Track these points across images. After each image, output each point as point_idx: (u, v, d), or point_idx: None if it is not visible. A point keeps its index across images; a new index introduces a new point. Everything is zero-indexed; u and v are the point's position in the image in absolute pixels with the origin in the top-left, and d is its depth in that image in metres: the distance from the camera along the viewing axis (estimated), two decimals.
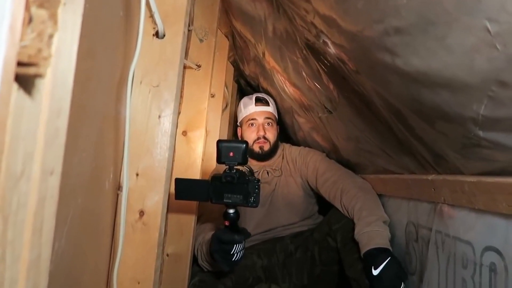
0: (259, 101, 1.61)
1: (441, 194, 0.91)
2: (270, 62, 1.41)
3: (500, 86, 0.48)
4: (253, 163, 1.56)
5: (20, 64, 0.28)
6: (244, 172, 1.00)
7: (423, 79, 0.59)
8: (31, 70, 0.29)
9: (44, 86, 0.33)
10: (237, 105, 2.33)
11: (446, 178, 0.88)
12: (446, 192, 0.88)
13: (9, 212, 0.31)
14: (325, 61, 0.98)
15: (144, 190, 0.83)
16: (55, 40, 0.33)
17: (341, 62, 0.86)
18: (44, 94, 0.34)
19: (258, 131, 1.56)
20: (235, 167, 0.94)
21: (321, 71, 1.05)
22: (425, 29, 0.53)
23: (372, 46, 0.65)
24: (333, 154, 1.55)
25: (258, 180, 0.97)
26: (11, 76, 0.27)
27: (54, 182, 0.37)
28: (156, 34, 0.85)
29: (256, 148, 1.55)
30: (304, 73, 1.17)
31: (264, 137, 1.55)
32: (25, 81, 0.30)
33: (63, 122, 0.38)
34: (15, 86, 0.30)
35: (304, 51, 1.06)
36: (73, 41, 0.38)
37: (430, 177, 0.95)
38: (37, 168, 0.35)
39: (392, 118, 0.86)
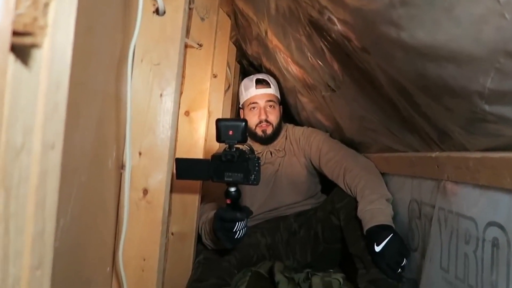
0: (259, 83, 1.59)
1: (444, 171, 0.90)
2: (273, 40, 1.39)
3: (508, 57, 0.47)
4: (255, 145, 1.56)
5: (15, 33, 0.28)
6: (244, 150, 1.00)
7: (429, 52, 0.58)
8: (27, 40, 0.28)
9: (41, 57, 0.33)
10: (239, 85, 2.32)
11: (450, 155, 0.87)
12: (450, 169, 0.88)
13: (10, 184, 0.31)
14: (329, 38, 0.96)
15: (147, 169, 0.83)
16: (51, 10, 0.32)
17: (345, 39, 0.84)
18: (42, 66, 0.33)
19: (260, 115, 1.54)
20: (235, 145, 0.94)
21: (324, 48, 1.03)
22: (432, 0, 0.51)
23: (377, 20, 0.64)
24: (337, 133, 1.54)
25: (258, 158, 0.97)
26: (7, 45, 0.27)
27: (56, 156, 0.37)
28: (156, 11, 0.83)
29: (258, 131, 1.54)
30: (307, 51, 1.15)
31: (267, 121, 1.54)
32: (22, 51, 0.30)
33: (62, 96, 0.38)
34: (11, 56, 0.29)
35: (308, 28, 1.04)
36: (70, 12, 0.37)
37: (434, 154, 0.95)
38: (38, 142, 0.35)
39: (396, 95, 0.85)
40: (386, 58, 0.72)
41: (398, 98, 0.85)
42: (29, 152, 0.33)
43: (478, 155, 0.77)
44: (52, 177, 0.37)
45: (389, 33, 0.62)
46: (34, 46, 0.30)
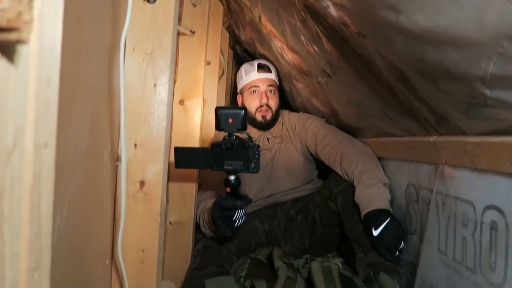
0: (261, 68, 1.57)
1: (442, 155, 0.90)
2: (267, 26, 1.36)
3: None
4: (253, 131, 1.55)
5: None
6: (244, 138, 0.99)
7: (429, 37, 0.57)
8: (12, 36, 0.27)
9: (29, 54, 0.31)
10: (233, 72, 2.28)
11: (448, 139, 0.87)
12: (448, 153, 0.88)
13: (3, 187, 0.30)
14: (325, 23, 0.94)
15: (143, 161, 0.82)
16: (37, 2, 0.30)
17: (342, 24, 0.83)
18: (30, 63, 0.32)
19: (261, 99, 1.53)
20: (234, 133, 0.93)
21: (320, 33, 1.01)
22: None
23: (375, 4, 0.62)
24: (333, 119, 1.53)
25: (258, 146, 0.96)
26: None
27: (49, 155, 0.36)
28: None
29: (258, 117, 1.53)
30: (302, 37, 1.13)
31: (267, 105, 1.53)
32: (7, 48, 0.28)
33: (53, 93, 0.36)
34: None
35: (303, 13, 1.01)
36: (57, 4, 0.35)
37: (431, 138, 0.94)
38: (30, 142, 0.33)
39: (394, 80, 0.84)
40: (384, 43, 0.71)
41: (396, 83, 0.84)
42: (21, 153, 0.32)
43: (477, 139, 0.77)
44: (46, 176, 0.36)
45: (387, 17, 0.61)
46: (20, 42, 0.28)
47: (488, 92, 0.57)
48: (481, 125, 0.72)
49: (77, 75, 0.58)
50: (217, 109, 0.92)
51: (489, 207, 0.78)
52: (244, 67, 1.62)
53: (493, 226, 0.76)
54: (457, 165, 0.86)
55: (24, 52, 0.30)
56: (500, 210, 0.74)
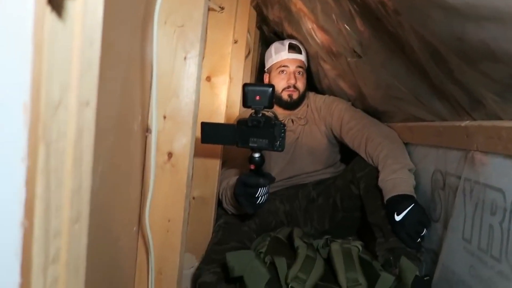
0: (292, 48, 1.55)
1: (474, 141, 0.88)
2: (297, 3, 1.33)
3: None
4: (278, 111, 1.54)
5: None
6: (270, 116, 0.99)
7: (470, 12, 0.54)
8: None
9: (75, 11, 0.32)
10: (259, 52, 2.26)
11: (481, 124, 0.84)
12: (480, 139, 0.85)
13: (50, 140, 0.31)
14: (359, 1, 0.92)
15: (171, 133, 0.83)
16: None
17: (378, 1, 0.80)
18: (75, 19, 0.32)
19: (289, 79, 1.51)
20: (261, 111, 0.93)
21: (353, 11, 0.98)
22: None
23: None
24: (359, 102, 1.51)
25: (284, 125, 0.96)
26: None
27: (90, 114, 0.37)
28: None
29: (284, 96, 1.52)
30: (333, 15, 1.11)
31: (294, 86, 1.51)
32: (56, 3, 0.29)
33: (95, 53, 0.37)
34: (48, 8, 0.29)
35: None
36: None
37: (463, 123, 0.92)
38: (74, 99, 0.35)
39: (428, 61, 0.81)
40: (422, 20, 0.69)
41: (430, 64, 0.82)
42: (66, 109, 0.33)
43: None
44: (87, 134, 0.37)
45: None
46: None
47: None
48: None
49: (112, 41, 0.59)
50: (245, 85, 0.92)
51: None
52: (274, 46, 1.59)
53: None
54: (489, 152, 0.84)
55: (71, 8, 0.31)
56: None
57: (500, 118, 0.78)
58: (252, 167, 1.01)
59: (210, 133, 0.98)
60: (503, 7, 0.49)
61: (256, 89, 0.91)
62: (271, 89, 0.91)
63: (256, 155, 1.00)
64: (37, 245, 0.31)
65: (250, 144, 0.96)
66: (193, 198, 1.28)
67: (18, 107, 0.26)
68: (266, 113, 0.98)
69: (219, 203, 1.37)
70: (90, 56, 0.36)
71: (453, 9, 0.57)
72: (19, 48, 0.25)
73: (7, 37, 0.25)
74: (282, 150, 0.98)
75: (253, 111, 0.94)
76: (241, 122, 0.97)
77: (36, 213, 0.29)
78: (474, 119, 0.88)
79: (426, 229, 1.09)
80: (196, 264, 1.25)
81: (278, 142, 0.95)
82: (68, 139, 0.34)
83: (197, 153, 1.23)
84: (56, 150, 0.33)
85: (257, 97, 0.91)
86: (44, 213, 0.32)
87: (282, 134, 0.95)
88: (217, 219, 1.37)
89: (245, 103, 0.93)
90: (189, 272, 1.21)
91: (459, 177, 0.96)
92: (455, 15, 0.58)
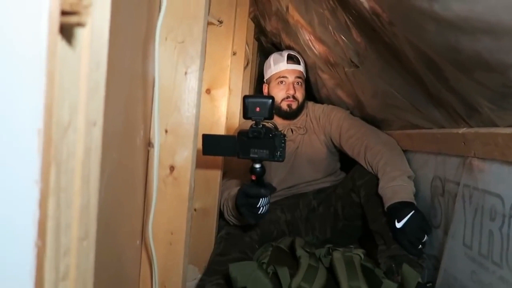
0: (290, 59, 1.57)
1: (471, 147, 0.89)
2: (294, 16, 1.36)
3: None
4: (278, 121, 1.55)
5: (63, 13, 0.28)
6: (270, 127, 1.00)
7: (463, 25, 0.56)
8: (73, 19, 0.29)
9: (83, 37, 0.33)
10: (258, 63, 2.29)
11: (478, 131, 0.86)
12: (477, 146, 0.86)
13: (60, 160, 0.33)
14: (354, 12, 0.94)
15: (173, 146, 0.85)
16: None
17: (373, 13, 0.82)
18: (83, 45, 0.34)
19: (288, 90, 1.53)
20: (261, 122, 0.94)
21: (349, 23, 1.00)
22: None
23: None
24: (358, 110, 1.53)
25: (284, 135, 0.98)
26: (57, 26, 0.27)
27: (97, 133, 0.39)
28: None
29: (284, 106, 1.54)
30: (330, 26, 1.13)
31: (294, 96, 1.53)
32: (67, 31, 0.30)
33: (102, 75, 0.38)
34: (59, 37, 0.30)
35: (331, 2, 1.01)
36: None
37: (460, 130, 0.93)
38: (82, 119, 0.36)
39: (424, 70, 0.83)
40: (416, 32, 0.70)
41: (426, 73, 0.83)
42: (74, 130, 0.35)
43: (509, 130, 0.75)
44: (95, 153, 0.38)
45: (421, 5, 0.60)
46: (79, 25, 0.31)
47: None
48: None
49: (115, 60, 0.60)
50: (245, 97, 0.94)
51: None
52: (273, 57, 1.62)
53: None
54: (486, 158, 0.85)
55: (79, 36, 0.33)
56: None
57: (496, 125, 0.79)
58: (253, 177, 1.03)
59: (211, 145, 0.99)
60: (494, 20, 0.50)
61: (256, 101, 0.93)
62: (271, 100, 0.93)
63: (257, 165, 1.01)
64: (48, 263, 0.32)
65: (251, 155, 0.97)
66: (195, 209, 1.28)
67: (32, 133, 0.27)
68: (266, 124, 0.99)
69: (221, 214, 1.38)
70: (97, 78, 0.38)
71: (446, 21, 0.59)
72: (33, 76, 0.27)
73: (21, 65, 0.26)
74: (282, 161, 0.99)
75: (254, 122, 0.95)
76: (241, 133, 0.98)
77: (48, 233, 0.30)
78: (471, 126, 0.90)
79: (427, 236, 1.10)
80: (199, 275, 1.26)
81: (279, 152, 0.96)
82: (77, 159, 0.35)
83: (198, 164, 1.23)
84: (66, 170, 0.34)
85: (257, 109, 0.92)
86: (55, 232, 0.33)
87: (283, 145, 0.97)
88: (218, 230, 1.37)
89: (246, 114, 0.95)
90: (192, 284, 1.21)
91: (458, 184, 0.97)
92: (449, 27, 0.60)
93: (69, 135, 0.34)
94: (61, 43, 0.30)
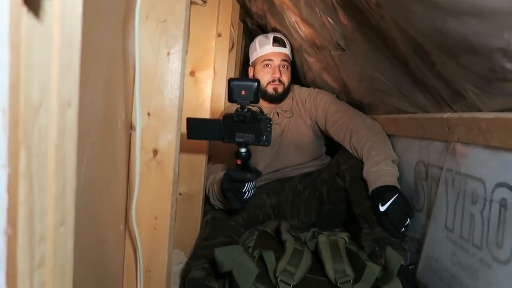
0: (276, 41, 1.55)
1: (455, 132, 0.90)
2: None
3: None
4: (263, 105, 1.54)
5: None
6: (256, 111, 0.99)
7: (450, 6, 0.55)
8: None
9: (52, 10, 0.31)
10: (243, 46, 2.25)
11: (462, 116, 0.86)
12: (461, 130, 0.87)
13: (31, 142, 0.31)
14: None
15: (156, 130, 0.82)
16: None
17: None
18: (54, 19, 0.31)
19: (273, 73, 1.51)
20: (246, 106, 0.93)
21: (336, 5, 0.98)
22: None
23: None
24: (343, 94, 1.52)
25: (270, 119, 0.96)
26: None
27: (72, 114, 0.36)
28: None
29: (269, 89, 1.52)
30: (317, 8, 1.11)
31: (279, 80, 1.51)
32: (33, 3, 0.28)
33: (75, 53, 0.36)
34: (24, 9, 0.28)
35: None
36: None
37: (445, 115, 0.94)
38: (54, 100, 0.34)
39: (410, 54, 0.82)
40: (403, 14, 0.69)
41: (412, 57, 0.83)
42: (46, 110, 0.33)
43: (492, 115, 0.76)
44: (70, 135, 0.36)
45: None
46: None
47: (509, 65, 0.56)
48: (497, 101, 0.71)
49: (92, 39, 0.58)
50: (230, 80, 0.92)
51: (500, 184, 0.78)
52: (259, 39, 1.59)
53: (503, 204, 0.76)
54: (469, 143, 0.86)
55: (49, 8, 0.30)
56: (511, 188, 0.74)
57: (479, 110, 0.80)
58: (239, 162, 1.02)
59: (195, 128, 0.97)
60: (482, 2, 0.49)
61: (242, 84, 0.91)
62: (256, 83, 0.91)
63: (243, 150, 1.00)
64: (21, 252, 0.30)
65: (237, 139, 0.96)
66: (180, 194, 1.27)
67: None
68: (252, 108, 0.98)
69: (206, 199, 1.37)
70: (70, 55, 0.35)
71: (433, 3, 0.58)
72: None
73: None
74: (268, 145, 0.98)
75: (239, 106, 0.94)
76: (227, 117, 0.96)
77: (19, 220, 0.29)
78: (455, 111, 0.90)
79: (410, 219, 1.11)
80: (185, 260, 1.25)
81: (265, 136, 0.95)
82: (50, 142, 0.33)
83: (183, 149, 1.22)
84: (38, 154, 0.32)
85: (243, 92, 0.90)
86: (27, 219, 0.31)
87: (268, 129, 0.95)
88: (204, 214, 1.36)
89: (231, 98, 0.93)
90: (178, 268, 1.21)
91: (441, 168, 0.98)
92: (436, 8, 0.59)
93: (41, 116, 0.31)
94: (26, 15, 0.28)
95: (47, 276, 0.36)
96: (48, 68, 0.32)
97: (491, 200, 0.79)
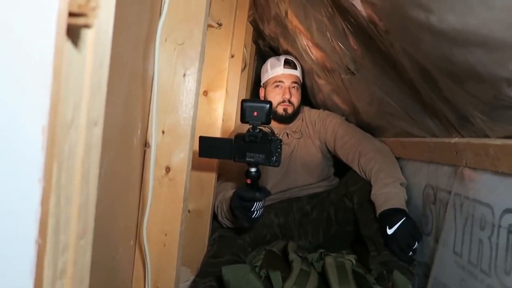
0: (287, 63, 1.59)
1: (463, 157, 0.91)
2: (293, 21, 1.37)
3: None
4: (273, 125, 1.56)
5: (70, 15, 0.29)
6: (267, 132, 1.01)
7: (458, 37, 0.58)
8: (80, 21, 0.29)
9: (89, 38, 0.34)
10: (255, 66, 2.30)
11: (470, 141, 0.87)
12: (469, 155, 0.88)
13: (62, 158, 0.33)
14: (352, 20, 0.95)
15: (170, 147, 0.85)
16: None
17: (370, 21, 0.84)
18: (89, 46, 0.34)
19: (284, 94, 1.55)
20: (258, 127, 0.95)
21: (346, 30, 1.02)
22: None
23: (406, 3, 0.63)
24: (353, 117, 1.54)
25: (281, 140, 0.98)
26: (64, 28, 0.28)
27: (98, 132, 0.39)
28: None
29: (280, 110, 1.55)
30: (328, 33, 1.14)
31: (289, 101, 1.55)
32: (74, 32, 0.31)
33: (104, 74, 0.39)
34: (66, 38, 0.31)
35: (330, 10, 1.03)
36: None
37: (453, 140, 0.95)
38: (84, 118, 0.36)
39: (419, 80, 0.84)
40: (412, 42, 0.72)
41: (421, 83, 0.85)
42: (76, 128, 0.35)
43: (499, 142, 0.77)
44: (94, 151, 0.39)
45: (417, 16, 0.62)
46: (86, 26, 0.31)
47: None
48: (504, 128, 0.73)
49: (116, 58, 0.61)
50: (243, 101, 0.94)
51: (508, 210, 0.78)
52: (270, 61, 1.63)
53: (511, 230, 0.76)
54: (477, 168, 0.87)
55: (86, 36, 0.33)
56: None
57: (487, 136, 0.81)
58: (249, 181, 1.03)
59: (207, 147, 0.99)
60: (487, 33, 0.52)
61: (254, 105, 0.94)
62: (268, 105, 0.94)
63: (253, 169, 1.01)
64: (47, 261, 0.32)
65: (247, 159, 0.98)
66: (188, 211, 1.28)
67: (37, 130, 0.27)
68: (263, 129, 1.00)
69: (214, 216, 1.38)
70: (100, 78, 0.38)
71: (441, 33, 0.60)
72: (40, 75, 0.27)
73: (30, 65, 0.27)
74: (278, 166, 1.00)
75: (251, 126, 0.96)
76: (238, 137, 0.99)
77: (48, 230, 0.31)
78: (463, 136, 0.91)
79: (417, 243, 1.11)
80: (191, 277, 1.26)
81: (275, 157, 0.97)
82: (77, 157, 0.36)
83: (193, 166, 1.24)
84: (67, 168, 0.34)
85: (255, 113, 0.93)
86: (54, 229, 0.33)
87: (279, 150, 0.97)
88: (212, 232, 1.37)
89: (243, 118, 0.96)
90: (184, 285, 1.21)
91: (450, 192, 0.98)
92: (443, 38, 0.61)
93: (71, 134, 0.34)
94: (67, 44, 0.31)
95: (67, 285, 0.37)
96: (81, 89, 0.35)
97: (499, 226, 0.79)
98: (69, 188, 0.35)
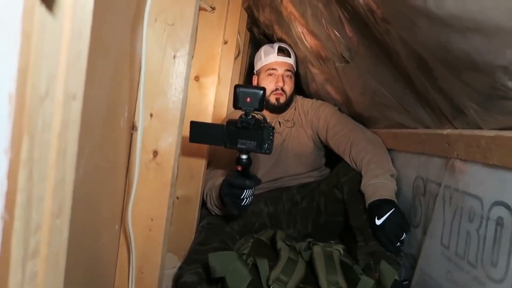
0: (281, 51, 1.56)
1: (455, 149, 0.90)
2: (288, 7, 1.35)
3: None
4: (265, 114, 1.54)
5: None
6: (259, 119, 1.00)
7: (455, 23, 0.56)
8: None
9: (65, 3, 0.32)
10: (249, 54, 2.27)
11: (462, 133, 0.87)
12: (460, 147, 0.87)
13: (35, 131, 0.31)
14: (348, 7, 0.93)
15: (157, 131, 0.83)
16: None
17: (367, 8, 0.82)
18: (65, 13, 0.32)
19: (277, 82, 1.52)
20: (251, 113, 0.94)
21: (342, 17, 1.00)
22: None
23: None
24: (346, 107, 1.53)
25: (273, 128, 0.97)
26: None
27: (77, 107, 0.37)
28: None
29: (272, 99, 1.53)
30: (323, 20, 1.12)
31: (282, 89, 1.53)
32: None
33: (84, 45, 0.37)
34: (37, 1, 0.28)
35: None
36: None
37: (445, 131, 0.94)
38: (60, 91, 0.34)
39: (414, 69, 0.83)
40: (409, 29, 0.70)
41: (415, 72, 0.84)
42: (52, 100, 0.33)
43: (492, 133, 0.76)
44: (73, 127, 0.37)
45: (415, 2, 0.60)
46: None
47: (510, 83, 0.56)
48: (498, 119, 0.72)
49: (102, 35, 0.58)
50: (237, 86, 0.92)
51: (497, 203, 0.78)
52: (264, 49, 1.61)
53: (499, 222, 0.76)
54: (468, 160, 0.86)
55: (63, 2, 0.31)
56: (508, 207, 0.74)
57: (480, 128, 0.80)
58: (239, 168, 1.02)
59: (198, 132, 0.97)
60: (485, 19, 0.50)
61: (247, 91, 0.92)
62: (262, 91, 0.92)
63: (244, 156, 1.00)
64: (16, 239, 0.30)
65: (239, 146, 0.96)
66: (177, 197, 1.27)
67: (4, 97, 0.25)
68: (256, 115, 0.98)
69: (203, 204, 1.37)
70: (79, 48, 0.36)
71: (438, 19, 0.59)
72: (7, 39, 0.25)
73: None
74: (270, 153, 0.98)
75: (243, 112, 0.94)
76: (230, 123, 0.97)
77: (17, 206, 0.29)
78: (456, 128, 0.91)
79: (405, 234, 1.11)
80: (178, 264, 1.25)
81: (267, 144, 0.96)
82: (53, 131, 0.34)
83: (183, 152, 1.22)
84: (40, 142, 0.32)
85: (248, 99, 0.91)
86: (25, 206, 0.31)
87: (271, 137, 0.96)
88: (200, 219, 1.36)
89: (236, 104, 0.94)
90: (170, 272, 1.20)
91: (440, 184, 0.98)
92: (440, 25, 0.60)
93: (46, 106, 0.32)
94: (40, 7, 0.28)
95: (40, 266, 0.36)
96: (57, 59, 0.33)
97: (488, 218, 0.79)
98: (43, 164, 0.33)
